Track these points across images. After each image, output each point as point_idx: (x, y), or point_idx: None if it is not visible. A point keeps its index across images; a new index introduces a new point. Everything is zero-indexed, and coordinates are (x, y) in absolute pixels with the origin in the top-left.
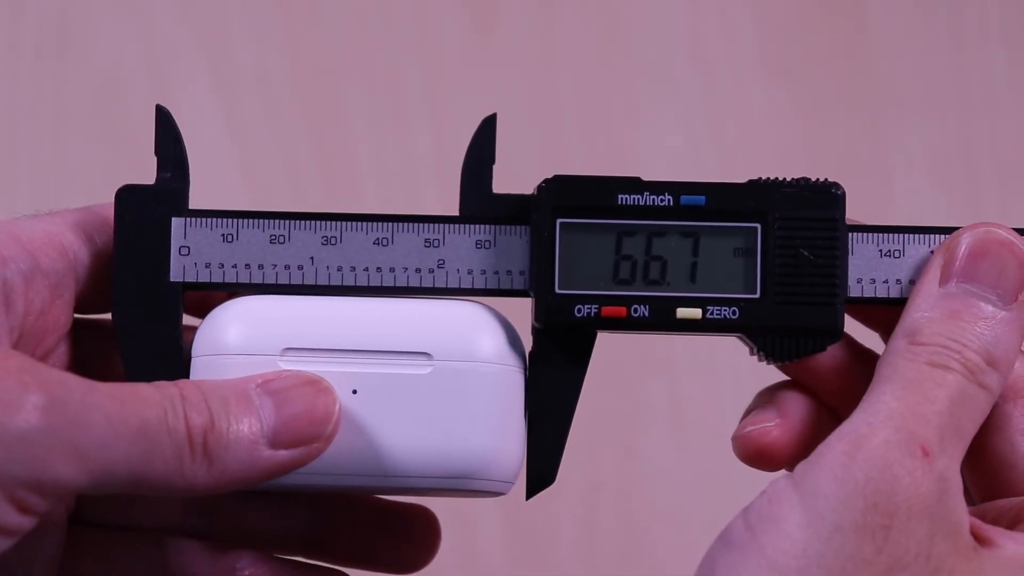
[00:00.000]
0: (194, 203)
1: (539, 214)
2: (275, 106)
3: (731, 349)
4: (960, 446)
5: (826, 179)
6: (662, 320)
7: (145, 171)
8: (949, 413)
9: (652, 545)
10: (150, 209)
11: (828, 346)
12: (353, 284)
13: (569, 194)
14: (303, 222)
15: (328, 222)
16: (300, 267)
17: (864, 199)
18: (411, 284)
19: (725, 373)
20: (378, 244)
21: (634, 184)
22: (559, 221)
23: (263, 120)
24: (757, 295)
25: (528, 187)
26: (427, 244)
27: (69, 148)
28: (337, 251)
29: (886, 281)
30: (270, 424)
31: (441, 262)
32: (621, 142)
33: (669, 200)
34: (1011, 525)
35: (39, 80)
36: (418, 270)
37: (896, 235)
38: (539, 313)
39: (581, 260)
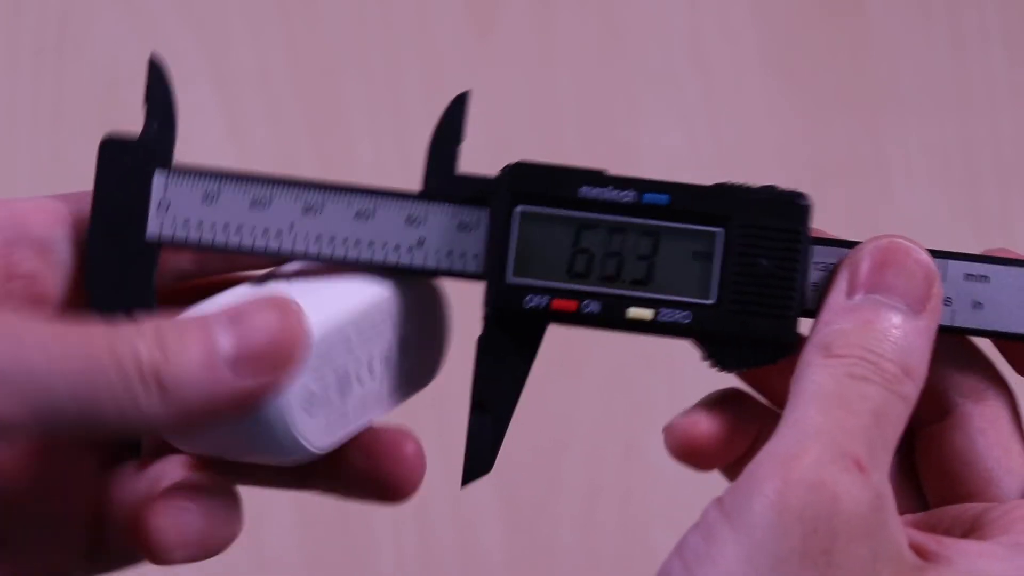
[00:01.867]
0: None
1: (498, 199)
2: (275, 106)
3: None
4: (887, 459)
5: (794, 189)
6: (612, 318)
7: None
8: (875, 426)
9: (652, 545)
10: (133, 161)
11: (779, 360)
12: (331, 254)
13: (531, 181)
14: (286, 187)
15: (311, 190)
16: (279, 233)
17: (864, 199)
18: (388, 260)
19: (725, 374)
20: (359, 217)
21: (598, 177)
22: (518, 208)
23: (263, 120)
24: (712, 301)
25: None
26: (408, 222)
27: (69, 148)
28: (318, 220)
29: None
30: (230, 351)
31: (422, 239)
32: (621, 142)
33: (632, 196)
34: (966, 534)
35: (39, 80)
36: (397, 247)
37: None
38: (489, 299)
39: (536, 250)
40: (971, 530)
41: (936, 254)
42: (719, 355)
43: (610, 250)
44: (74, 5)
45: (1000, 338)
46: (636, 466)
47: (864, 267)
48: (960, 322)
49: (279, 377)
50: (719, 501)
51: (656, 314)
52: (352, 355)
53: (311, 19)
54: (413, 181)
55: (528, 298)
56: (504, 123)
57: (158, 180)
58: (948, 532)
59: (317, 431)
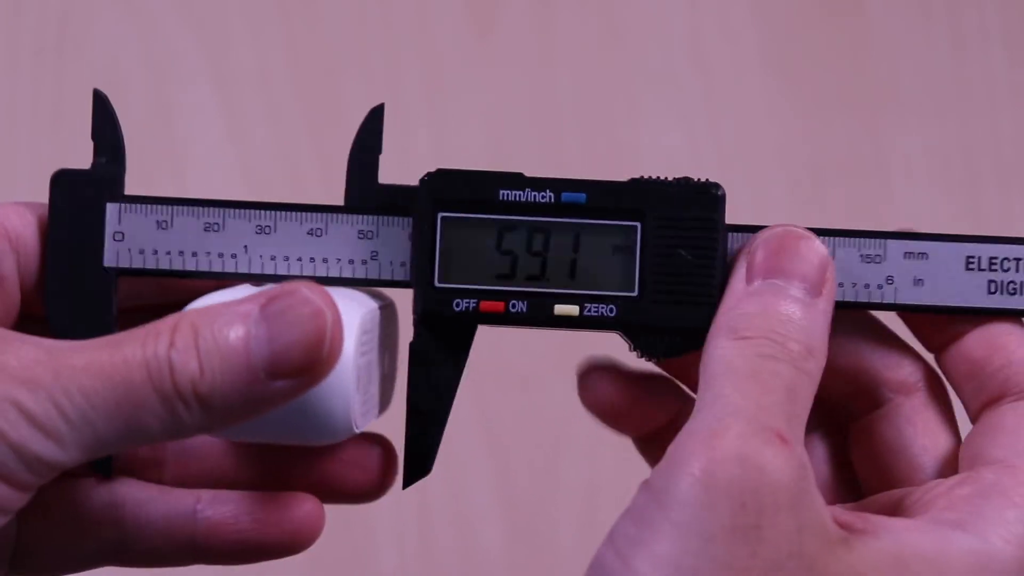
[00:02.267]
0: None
1: (421, 207)
2: (275, 106)
3: None
4: (802, 433)
5: (707, 179)
6: (540, 316)
7: (145, 171)
8: (789, 401)
9: None
10: (85, 194)
11: (701, 347)
12: (287, 273)
13: (451, 188)
14: (237, 211)
15: (262, 211)
16: (234, 255)
17: (864, 199)
18: (343, 275)
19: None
20: (311, 234)
21: (516, 180)
22: (440, 215)
23: (263, 120)
24: (635, 294)
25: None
26: (360, 236)
27: (69, 148)
28: (273, 240)
29: None
30: (265, 356)
31: (375, 253)
32: (621, 142)
33: (550, 197)
34: (891, 515)
35: (39, 80)
36: (351, 261)
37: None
38: (418, 306)
39: (461, 254)
40: (895, 512)
41: (876, 234)
42: (646, 345)
43: (533, 250)
44: (74, 5)
45: (941, 312)
46: (636, 466)
47: (760, 254)
48: (903, 299)
49: (319, 375)
50: (646, 484)
51: (582, 309)
52: (370, 350)
53: (311, 19)
54: (413, 181)
55: (456, 302)
56: (504, 123)
57: (111, 211)
58: (875, 514)
59: (361, 413)
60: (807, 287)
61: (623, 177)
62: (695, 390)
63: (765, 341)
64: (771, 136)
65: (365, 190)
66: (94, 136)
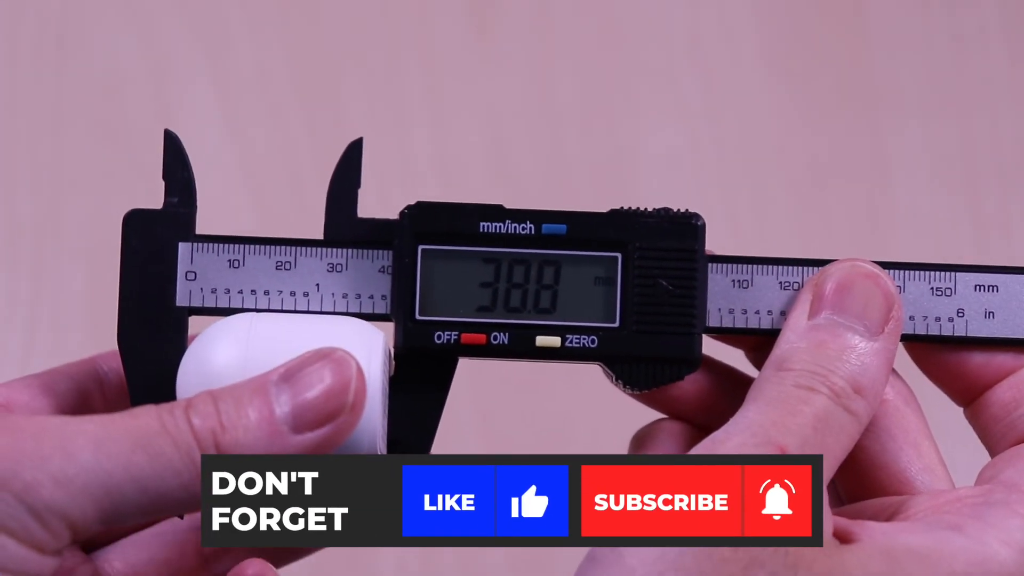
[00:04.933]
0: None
1: (401, 240)
2: (275, 106)
3: (731, 351)
4: (830, 466)
5: (687, 210)
6: (521, 348)
7: (144, 170)
8: (812, 428)
9: None
10: (157, 233)
11: (686, 375)
12: (357, 311)
13: (431, 220)
14: (308, 248)
15: (333, 249)
16: (306, 293)
17: (864, 199)
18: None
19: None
20: (382, 272)
21: (496, 212)
22: (420, 247)
23: (263, 120)
24: (616, 324)
25: (528, 186)
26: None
27: (69, 148)
28: (341, 277)
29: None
30: (287, 409)
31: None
32: (621, 142)
33: (531, 229)
34: (890, 518)
35: (39, 80)
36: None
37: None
38: (399, 339)
39: (442, 287)
40: (893, 515)
41: (945, 267)
42: (627, 376)
43: (514, 282)
44: (74, 5)
45: (1014, 345)
46: None
47: (826, 288)
48: (974, 332)
49: (343, 427)
50: None
51: (563, 341)
52: (385, 374)
53: (311, 19)
54: (413, 180)
55: (437, 334)
56: (504, 123)
57: (183, 250)
58: (874, 518)
59: (382, 436)
60: (867, 324)
61: (621, 177)
62: (690, 418)
63: (806, 373)
64: (771, 136)
65: (345, 223)
66: (165, 176)
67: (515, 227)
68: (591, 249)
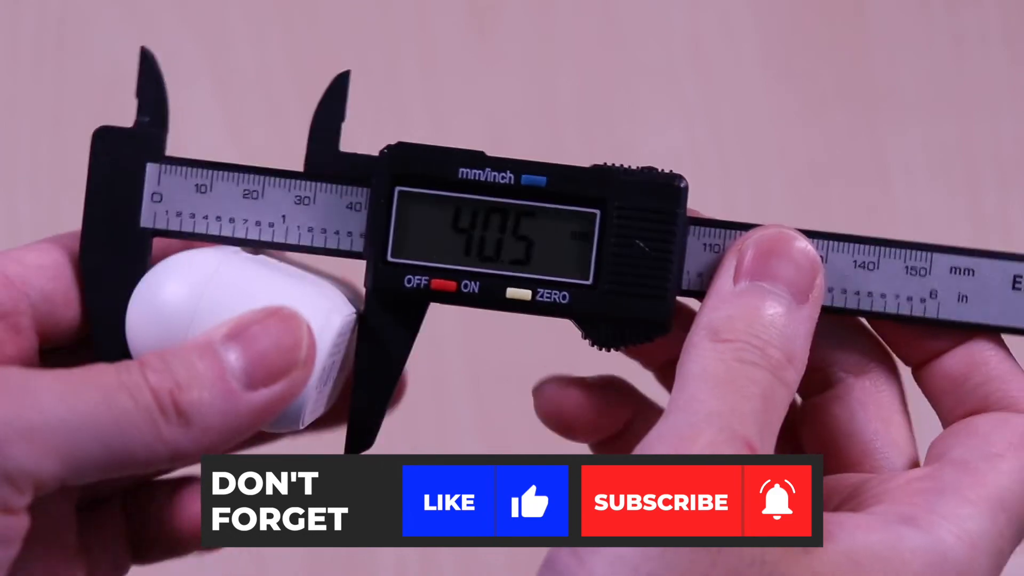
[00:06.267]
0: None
1: (378, 180)
2: (275, 106)
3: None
4: (772, 441)
5: (671, 171)
6: (491, 298)
7: None
8: (763, 410)
9: None
10: (126, 152)
11: (656, 338)
12: (323, 246)
13: (410, 162)
14: (276, 179)
15: (301, 181)
16: (271, 224)
17: (864, 199)
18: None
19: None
20: (351, 208)
21: (477, 158)
22: (398, 189)
23: (263, 120)
24: (589, 282)
25: None
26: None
27: (69, 148)
28: (309, 211)
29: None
30: (239, 366)
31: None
32: (621, 142)
33: (510, 178)
34: (844, 502)
35: (39, 80)
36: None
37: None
38: (369, 279)
39: (416, 230)
40: (849, 498)
41: (922, 247)
42: (596, 334)
43: (488, 231)
44: (74, 5)
45: (985, 331)
46: None
47: (749, 255)
48: (945, 315)
49: (295, 384)
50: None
51: (534, 294)
52: (337, 352)
53: (311, 19)
54: None
55: (408, 278)
56: (504, 123)
57: (151, 171)
58: (828, 501)
59: (310, 411)
60: (794, 292)
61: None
62: (657, 373)
63: (745, 346)
64: (771, 135)
65: (327, 157)
66: (139, 94)
67: (495, 176)
68: (570, 204)
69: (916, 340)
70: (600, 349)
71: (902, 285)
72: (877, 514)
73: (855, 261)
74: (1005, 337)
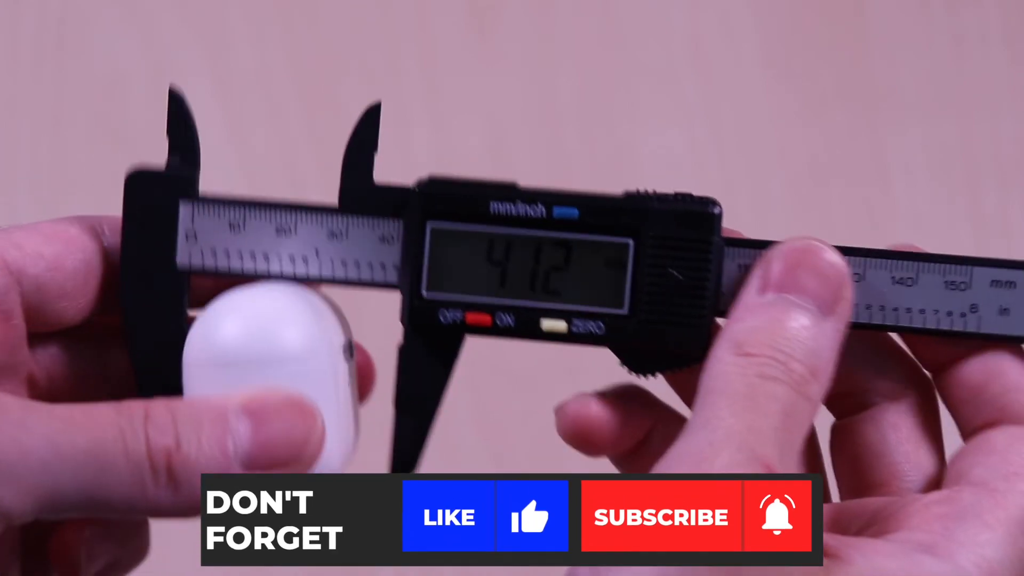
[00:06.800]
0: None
1: (410, 215)
2: (275, 106)
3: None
4: (794, 460)
5: (706, 196)
6: (527, 330)
7: None
8: (784, 428)
9: None
10: (158, 193)
11: (690, 366)
12: (357, 279)
13: (442, 197)
14: (309, 214)
15: (334, 216)
16: (305, 259)
17: (864, 199)
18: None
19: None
20: (383, 241)
21: (508, 192)
22: (430, 224)
23: (263, 120)
24: (624, 311)
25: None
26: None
27: (69, 148)
28: (342, 245)
29: None
30: (244, 447)
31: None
32: (621, 142)
33: (542, 211)
34: (866, 526)
35: (39, 80)
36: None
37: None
38: (405, 314)
39: (450, 265)
40: (871, 523)
41: (961, 260)
42: (632, 362)
43: (522, 263)
44: (74, 5)
45: None
46: None
47: (776, 267)
48: (987, 329)
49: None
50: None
51: (570, 325)
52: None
53: (311, 19)
54: (413, 180)
55: (443, 313)
56: (504, 123)
57: (184, 211)
58: (849, 524)
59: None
60: (820, 304)
61: (622, 177)
62: (681, 393)
63: (768, 360)
64: (771, 136)
65: (361, 190)
66: (169, 133)
67: (526, 208)
68: (603, 233)
69: (935, 342)
70: (638, 376)
71: (942, 300)
72: (897, 541)
73: (893, 277)
74: None
